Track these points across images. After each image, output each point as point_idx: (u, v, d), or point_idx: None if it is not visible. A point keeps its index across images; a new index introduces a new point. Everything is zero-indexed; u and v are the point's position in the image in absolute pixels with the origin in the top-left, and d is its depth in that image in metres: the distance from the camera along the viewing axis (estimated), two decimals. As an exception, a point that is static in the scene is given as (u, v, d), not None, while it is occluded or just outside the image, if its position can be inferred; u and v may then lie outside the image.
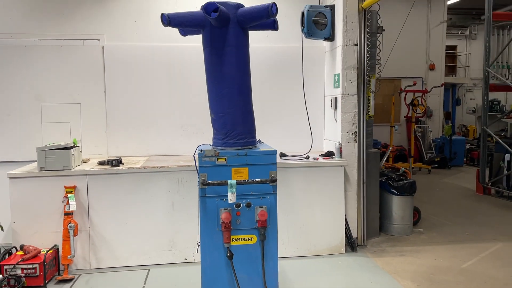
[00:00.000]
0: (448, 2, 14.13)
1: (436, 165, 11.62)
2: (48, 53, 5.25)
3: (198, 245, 3.43)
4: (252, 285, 3.31)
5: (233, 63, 3.32)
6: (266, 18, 3.27)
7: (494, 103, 16.99)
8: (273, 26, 3.62)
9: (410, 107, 11.13)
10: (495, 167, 8.47)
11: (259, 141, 3.70)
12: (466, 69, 18.09)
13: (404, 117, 12.03)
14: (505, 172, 8.03)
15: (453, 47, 17.90)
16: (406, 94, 11.20)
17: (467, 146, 12.99)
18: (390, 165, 6.86)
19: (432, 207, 7.22)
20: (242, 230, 3.31)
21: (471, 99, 18.63)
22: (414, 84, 10.73)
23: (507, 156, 8.02)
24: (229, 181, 3.17)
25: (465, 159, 12.48)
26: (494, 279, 4.25)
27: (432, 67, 12.92)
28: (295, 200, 4.88)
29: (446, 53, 16.93)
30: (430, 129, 12.78)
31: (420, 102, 11.17)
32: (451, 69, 17.98)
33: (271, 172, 3.33)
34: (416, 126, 11.84)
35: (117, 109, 5.37)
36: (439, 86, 12.12)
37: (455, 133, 15.65)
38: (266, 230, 3.29)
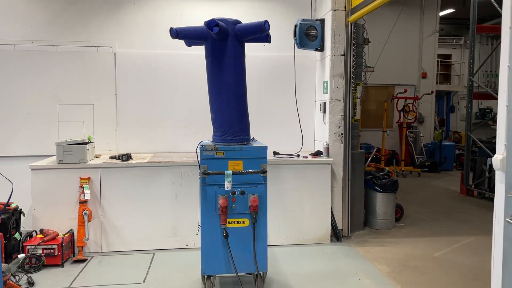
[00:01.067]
0: (441, 13, 14.71)
1: (427, 169, 12.14)
2: (65, 58, 5.82)
3: (199, 227, 3.97)
4: (244, 261, 3.85)
5: (231, 71, 3.87)
6: (260, 33, 3.83)
7: (487, 111, 17.54)
8: (266, 39, 4.17)
9: (402, 113, 11.70)
10: (478, 170, 9.00)
11: (253, 138, 4.25)
12: (460, 77, 18.63)
13: (396, 122, 12.59)
14: (487, 174, 8.56)
15: (448, 56, 18.47)
16: (397, 101, 11.79)
17: (457, 152, 13.52)
18: (375, 166, 7.39)
19: (416, 206, 7.75)
20: (236, 214, 3.85)
21: (464, 107, 19.11)
22: (405, 91, 11.30)
23: (489, 160, 8.56)
24: (226, 171, 3.72)
25: (454, 164, 12.99)
26: (460, 265, 4.78)
27: (424, 75, 13.47)
28: (286, 194, 5.41)
29: (441, 61, 17.54)
30: (421, 135, 13.31)
31: (411, 109, 11.74)
32: (445, 77, 18.56)
33: (262, 165, 3.88)
34: (408, 132, 12.40)
35: (126, 110, 5.92)
36: (429, 94, 12.68)
37: (445, 138, 16.16)
38: (257, 214, 3.83)
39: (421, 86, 13.39)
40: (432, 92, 13.08)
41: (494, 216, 2.40)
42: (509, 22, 2.24)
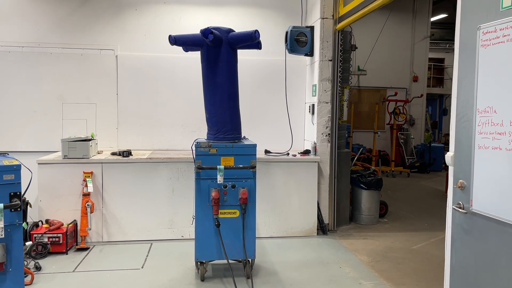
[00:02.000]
0: (434, 18, 15.13)
1: (416, 170, 12.55)
2: (70, 60, 6.18)
3: (193, 218, 4.34)
4: (234, 248, 4.23)
5: (224, 75, 4.25)
6: (251, 41, 4.20)
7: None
8: (257, 46, 4.53)
9: (393, 115, 12.11)
10: (463, 171, 9.39)
11: (244, 137, 4.63)
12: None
13: (387, 124, 12.99)
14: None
15: (441, 60, 18.92)
16: (388, 103, 12.19)
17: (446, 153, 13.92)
18: (362, 164, 7.78)
19: (402, 204, 8.15)
20: (228, 206, 4.23)
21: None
22: (395, 94, 11.70)
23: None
24: (218, 166, 4.10)
25: (443, 165, 13.38)
26: (435, 257, 5.16)
27: (415, 79, 13.88)
28: (275, 189, 5.78)
29: (434, 65, 17.96)
30: (412, 136, 13.72)
31: (401, 111, 12.14)
32: (439, 81, 19.01)
33: (251, 161, 4.25)
34: (399, 133, 12.81)
35: (127, 109, 6.29)
36: (419, 97, 13.09)
37: (435, 140, 16.60)
38: (246, 206, 4.21)
39: (413, 89, 13.80)
40: (421, 96, 13.49)
41: (447, 204, 2.77)
42: (458, 40, 2.63)
